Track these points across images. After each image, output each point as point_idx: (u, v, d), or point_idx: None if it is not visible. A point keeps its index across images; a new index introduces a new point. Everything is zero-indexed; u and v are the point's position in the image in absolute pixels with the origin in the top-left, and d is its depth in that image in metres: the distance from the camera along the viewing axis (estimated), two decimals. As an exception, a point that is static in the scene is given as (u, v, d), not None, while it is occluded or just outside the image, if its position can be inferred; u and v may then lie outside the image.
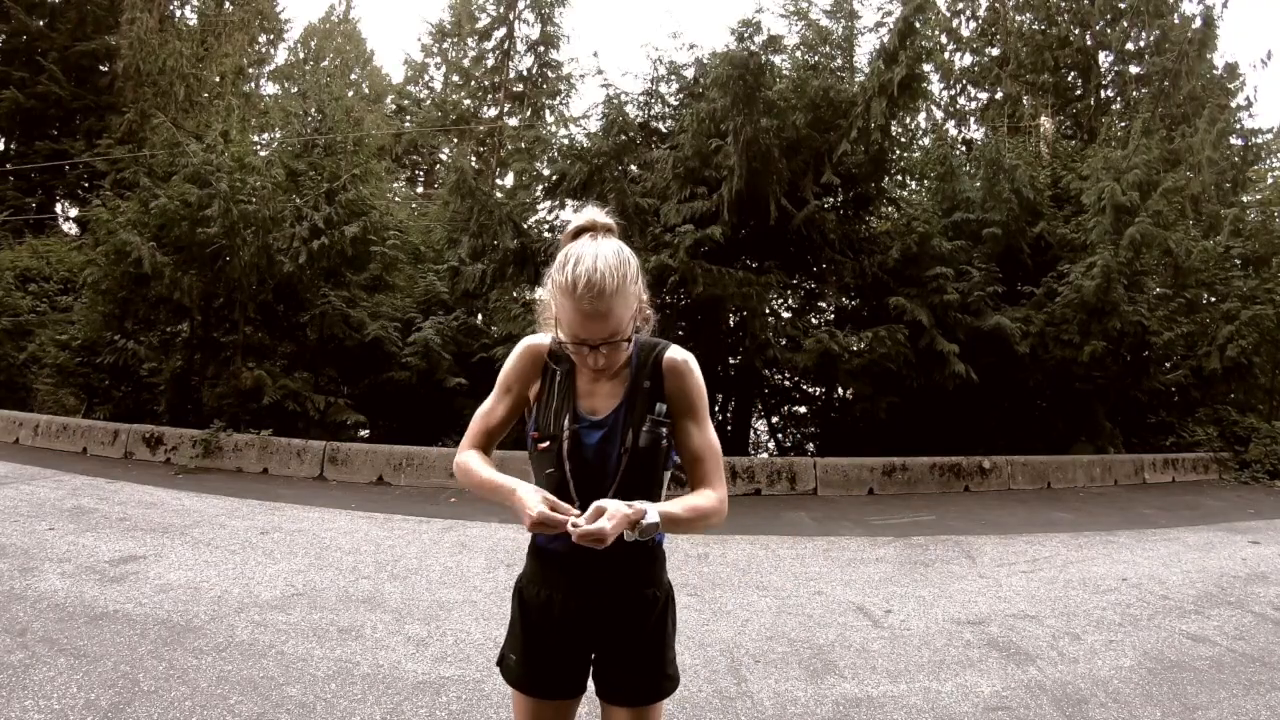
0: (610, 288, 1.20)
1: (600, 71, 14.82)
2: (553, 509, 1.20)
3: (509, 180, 15.07)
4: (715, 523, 1.33)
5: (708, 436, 1.37)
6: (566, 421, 1.32)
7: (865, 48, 16.67)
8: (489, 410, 1.45)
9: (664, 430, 1.31)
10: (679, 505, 1.28)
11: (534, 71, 22.15)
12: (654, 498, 1.34)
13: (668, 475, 1.39)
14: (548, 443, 1.32)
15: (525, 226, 8.62)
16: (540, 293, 1.41)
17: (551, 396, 1.35)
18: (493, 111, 22.45)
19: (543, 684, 1.38)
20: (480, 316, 9.34)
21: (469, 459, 1.41)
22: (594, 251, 1.22)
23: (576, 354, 1.29)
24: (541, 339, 1.42)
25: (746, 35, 7.23)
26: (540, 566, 1.39)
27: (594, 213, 1.34)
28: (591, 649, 1.38)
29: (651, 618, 1.38)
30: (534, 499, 1.21)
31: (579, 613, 1.34)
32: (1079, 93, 16.73)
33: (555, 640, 1.36)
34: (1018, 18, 17.46)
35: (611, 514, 1.17)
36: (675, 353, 1.36)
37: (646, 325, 1.37)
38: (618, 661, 1.38)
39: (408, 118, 24.16)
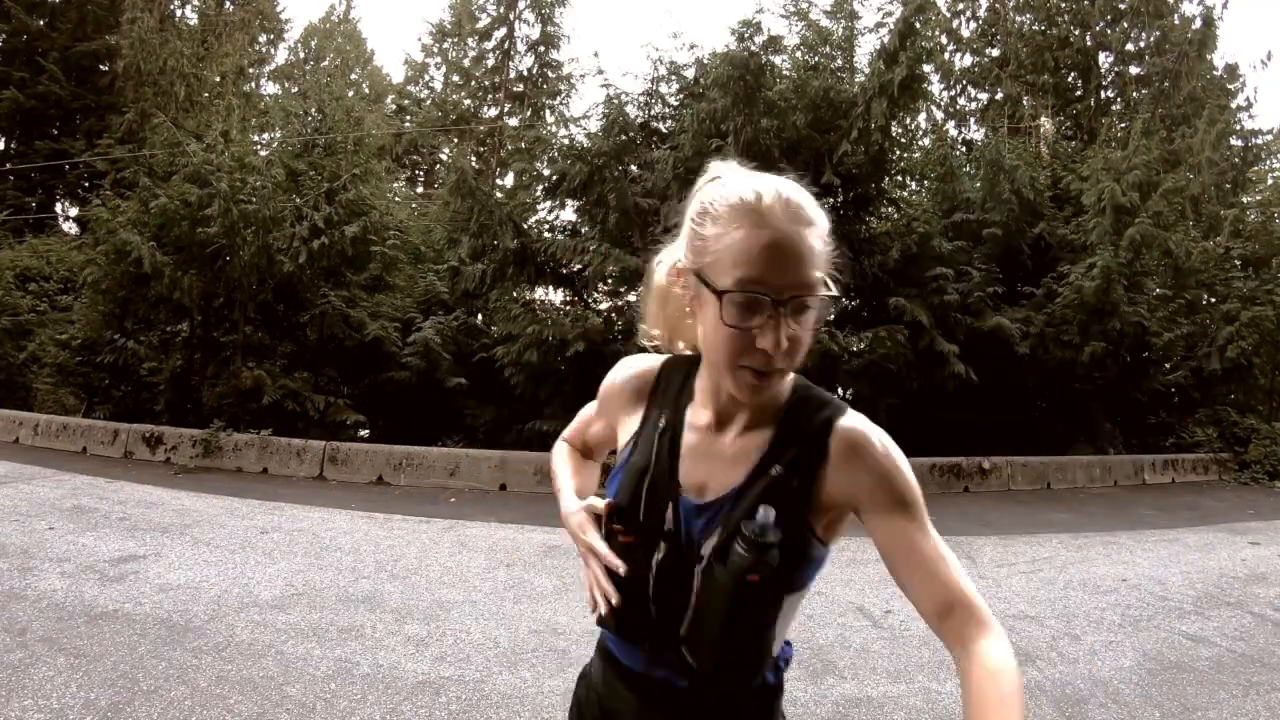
0: (814, 212, 0.77)
1: (600, 71, 14.82)
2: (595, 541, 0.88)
3: (509, 180, 15.07)
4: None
5: (938, 547, 0.82)
6: (670, 510, 0.85)
7: (865, 48, 16.65)
8: (590, 420, 1.10)
9: (770, 558, 0.76)
10: None
11: (534, 71, 22.17)
12: (756, 657, 0.85)
13: (782, 632, 0.86)
14: (633, 536, 0.86)
15: (525, 226, 8.63)
16: (659, 262, 0.98)
17: (648, 456, 0.88)
18: (493, 111, 22.47)
19: None
20: (480, 316, 9.34)
21: (557, 452, 1.12)
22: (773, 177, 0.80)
23: (739, 339, 0.75)
24: (650, 361, 0.98)
25: (747, 35, 7.25)
26: (608, 671, 0.95)
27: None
28: None
29: None
30: (579, 519, 0.91)
31: None
32: (1079, 93, 16.76)
33: None
34: (1018, 18, 17.47)
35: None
36: (853, 421, 0.83)
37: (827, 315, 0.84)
38: None
39: (408, 118, 24.15)
